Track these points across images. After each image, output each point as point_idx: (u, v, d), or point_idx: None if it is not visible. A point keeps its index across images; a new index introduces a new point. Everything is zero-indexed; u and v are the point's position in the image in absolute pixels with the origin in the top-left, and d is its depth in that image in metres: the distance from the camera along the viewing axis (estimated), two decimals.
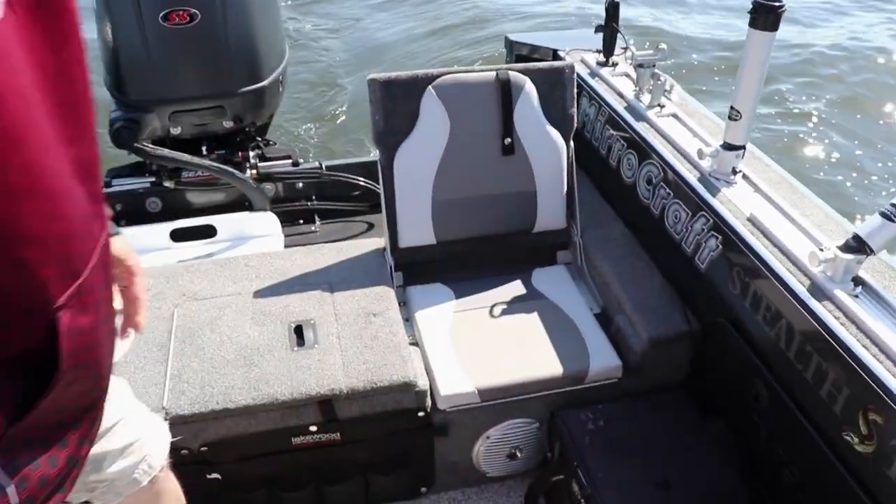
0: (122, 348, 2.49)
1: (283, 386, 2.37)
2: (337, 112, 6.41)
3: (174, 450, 2.32)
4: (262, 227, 3.54)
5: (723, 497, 2.28)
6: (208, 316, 2.64)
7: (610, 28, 3.31)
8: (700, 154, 2.64)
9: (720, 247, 2.46)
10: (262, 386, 2.37)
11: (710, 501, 2.26)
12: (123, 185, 3.66)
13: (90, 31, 3.57)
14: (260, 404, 2.34)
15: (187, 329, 2.59)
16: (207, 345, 2.53)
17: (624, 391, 2.63)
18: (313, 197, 3.84)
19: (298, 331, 2.58)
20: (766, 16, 2.32)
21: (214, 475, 2.44)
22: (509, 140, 2.84)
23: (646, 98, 3.08)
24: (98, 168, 1.13)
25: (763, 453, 2.33)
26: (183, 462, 2.37)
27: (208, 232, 3.50)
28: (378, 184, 2.89)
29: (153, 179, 3.61)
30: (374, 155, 3.52)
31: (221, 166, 3.42)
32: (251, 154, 3.63)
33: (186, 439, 2.36)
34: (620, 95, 3.19)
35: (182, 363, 2.46)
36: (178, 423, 2.30)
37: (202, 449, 2.38)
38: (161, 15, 3.15)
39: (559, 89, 2.88)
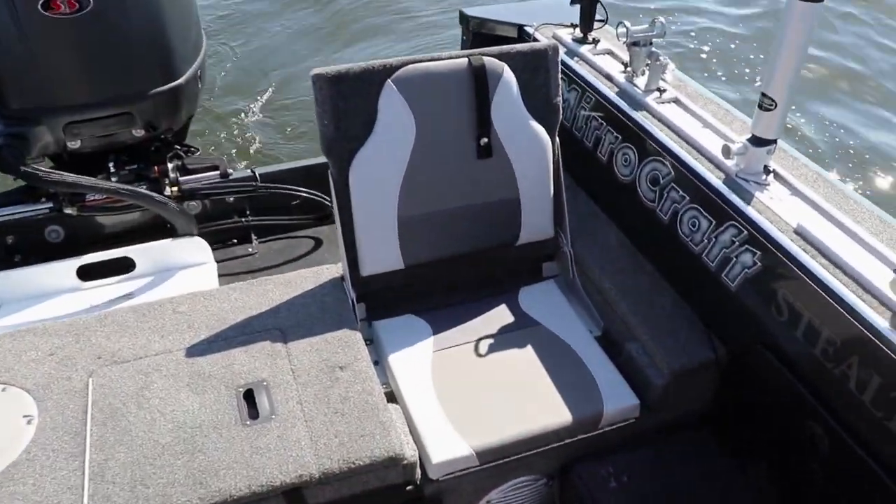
0: (21, 440, 1.95)
1: (237, 477, 1.86)
2: (271, 107, 5.72)
3: None
4: (190, 254, 2.97)
5: None
6: (133, 385, 2.10)
7: None
8: (726, 151, 2.21)
9: (758, 263, 2.05)
10: (211, 479, 1.86)
11: None
12: (15, 212, 3.00)
13: None
14: None
15: (107, 406, 2.04)
16: (135, 426, 1.99)
17: (642, 431, 2.24)
18: (247, 212, 3.27)
19: (249, 397, 2.07)
20: None
21: None
22: (486, 140, 2.37)
23: (641, 81, 2.64)
24: None
25: (815, 499, 1.97)
26: None
27: (124, 266, 2.91)
28: (325, 193, 2.37)
29: (51, 205, 2.97)
30: (317, 155, 2.98)
31: (133, 189, 2.82)
32: (170, 167, 3.03)
33: None
34: (609, 78, 2.74)
35: (104, 455, 1.92)
36: None
37: None
38: (41, 2, 2.54)
39: (542, 75, 2.42)
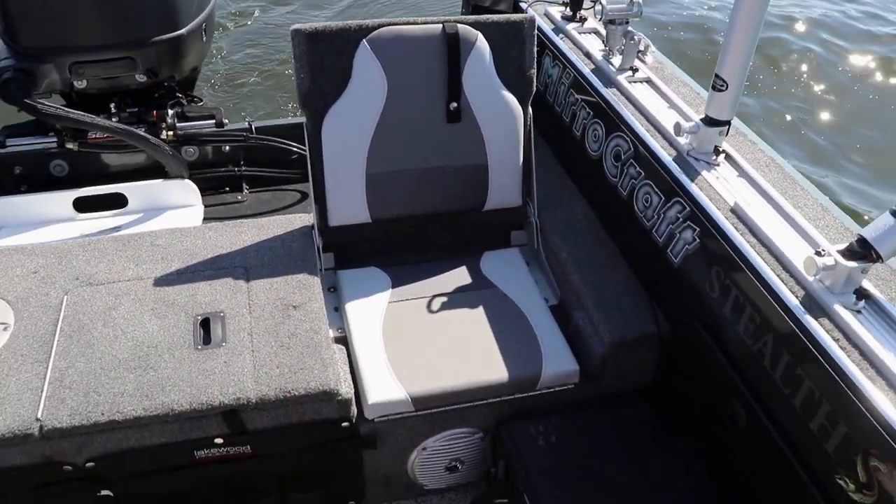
0: None
1: (181, 394, 2.00)
2: (274, 66, 5.87)
3: (56, 464, 1.98)
4: (180, 196, 3.12)
5: None
6: (102, 305, 2.26)
7: None
8: (677, 129, 2.28)
9: (697, 240, 2.12)
10: (157, 393, 2.00)
11: None
12: (22, 144, 3.19)
13: None
14: (153, 415, 1.97)
15: (76, 321, 2.20)
16: (98, 341, 2.14)
17: (580, 399, 2.32)
18: (241, 162, 3.42)
19: (205, 325, 2.21)
20: None
21: (105, 492, 2.09)
22: (455, 105, 2.46)
23: (616, 60, 2.72)
24: None
25: (737, 482, 2.03)
26: (66, 479, 2.03)
27: (118, 201, 3.08)
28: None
29: (57, 139, 3.15)
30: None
31: (127, 128, 2.98)
32: (169, 113, 3.18)
33: (69, 454, 2.00)
34: (588, 56, 2.81)
35: (66, 363, 2.08)
36: (55, 437, 1.95)
37: (88, 465, 2.02)
38: None
39: (516, 47, 2.50)
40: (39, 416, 1.94)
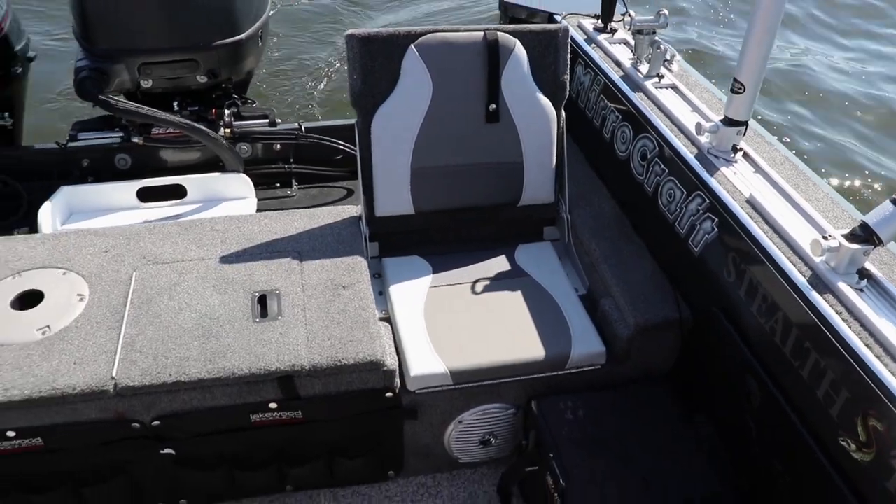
0: (73, 312, 2.35)
1: (241, 360, 2.21)
2: (324, 71, 6.16)
3: (126, 421, 2.19)
4: (235, 189, 3.36)
5: (706, 499, 2.13)
6: (168, 281, 2.48)
7: None
8: (698, 129, 2.46)
9: (716, 230, 2.30)
10: (219, 359, 2.21)
11: (692, 501, 2.12)
12: (90, 139, 3.46)
13: None
14: (216, 378, 2.18)
15: (145, 294, 2.43)
16: (164, 312, 2.36)
17: (607, 379, 2.49)
18: (291, 159, 3.65)
19: (262, 301, 2.42)
20: None
21: (167, 450, 2.29)
22: (494, 106, 2.67)
23: (644, 67, 2.91)
24: None
25: (752, 456, 2.18)
26: (133, 435, 2.24)
27: (178, 192, 3.32)
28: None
29: (122, 134, 3.41)
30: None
31: (191, 123, 3.23)
32: (226, 112, 3.43)
33: (138, 412, 2.21)
34: (617, 64, 3.01)
35: (136, 330, 2.29)
36: (127, 395, 2.16)
37: (154, 423, 2.23)
38: None
39: (551, 54, 2.70)
40: (114, 374, 2.16)
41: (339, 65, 6.22)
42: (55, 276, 2.49)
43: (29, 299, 2.41)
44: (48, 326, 2.30)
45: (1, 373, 2.14)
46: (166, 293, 2.43)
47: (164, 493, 2.44)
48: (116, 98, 3.13)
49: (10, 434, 2.16)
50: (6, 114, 3.48)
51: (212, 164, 3.46)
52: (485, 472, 2.67)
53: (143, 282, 2.48)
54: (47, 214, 3.09)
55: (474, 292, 2.62)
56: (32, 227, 3.09)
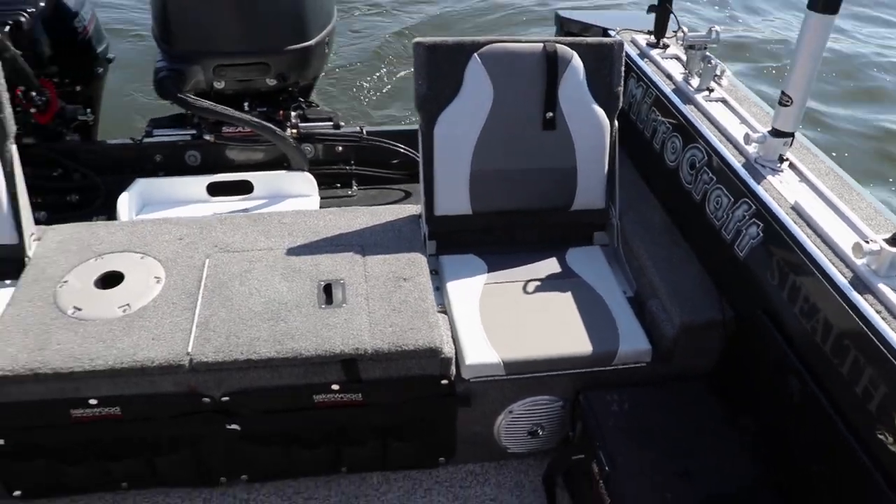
0: (151, 293, 2.52)
1: (307, 342, 2.36)
2: (385, 79, 6.38)
3: (197, 395, 2.35)
4: (299, 186, 3.53)
5: (745, 492, 2.22)
6: (239, 268, 2.64)
7: (663, 8, 3.24)
8: (746, 139, 2.58)
9: (761, 235, 2.41)
10: (287, 340, 2.36)
11: (731, 495, 2.21)
12: (164, 135, 3.68)
13: None
14: (284, 358, 2.33)
15: (217, 279, 2.59)
16: (236, 296, 2.53)
17: (652, 376, 2.59)
18: (352, 161, 3.83)
19: (327, 289, 2.57)
20: None
21: (234, 426, 2.45)
22: (551, 114, 2.80)
23: (694, 81, 3.02)
24: None
25: (792, 453, 2.26)
26: (203, 409, 2.39)
27: (245, 187, 3.51)
28: (418, 152, 2.86)
29: (194, 132, 3.62)
30: (415, 124, 3.50)
31: (262, 122, 3.42)
32: (292, 114, 3.62)
33: (209, 387, 2.37)
34: (669, 77, 3.13)
35: (210, 312, 2.46)
36: (201, 371, 2.32)
37: (223, 399, 2.39)
38: None
39: (606, 66, 2.83)
40: (189, 350, 2.32)
41: (397, 73, 6.43)
42: (134, 260, 2.67)
43: (110, 280, 2.59)
44: (128, 305, 2.48)
45: (87, 344, 2.32)
46: (237, 279, 2.60)
47: (227, 468, 2.60)
48: (193, 97, 3.32)
49: (93, 402, 2.33)
50: (88, 110, 3.71)
51: (275, 164, 3.65)
52: (531, 463, 2.78)
53: (215, 268, 2.65)
54: (125, 204, 3.29)
55: (527, 290, 2.75)
56: (109, 217, 3.29)
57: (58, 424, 2.36)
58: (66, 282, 2.56)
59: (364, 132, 3.75)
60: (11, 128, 2.62)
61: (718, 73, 2.97)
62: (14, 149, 2.65)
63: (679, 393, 2.54)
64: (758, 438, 2.39)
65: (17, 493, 2.54)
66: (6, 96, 2.60)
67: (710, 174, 2.70)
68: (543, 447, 2.76)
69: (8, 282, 2.61)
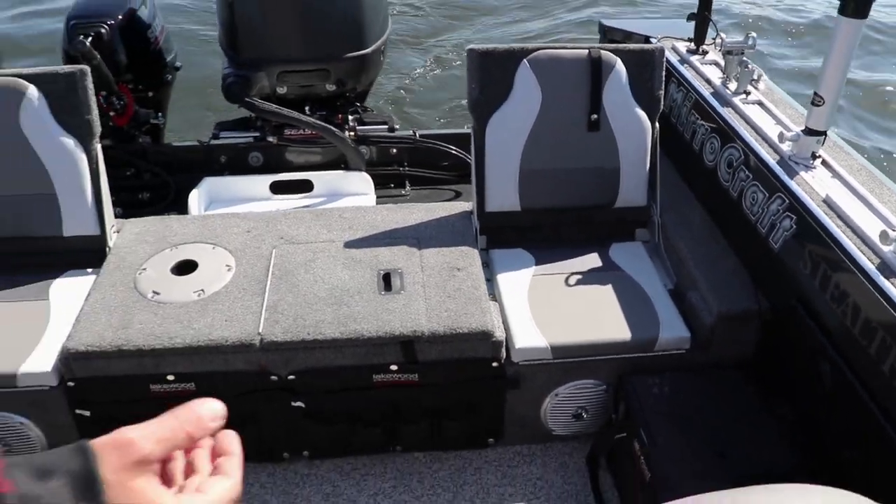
0: (223, 279, 2.73)
1: (369, 324, 2.55)
2: (433, 84, 6.62)
3: (266, 374, 2.55)
4: (357, 185, 3.75)
5: (780, 474, 2.33)
6: (303, 258, 2.85)
7: (702, 16, 3.40)
8: (781, 138, 2.73)
9: (794, 227, 2.55)
10: (350, 323, 2.56)
11: (766, 476, 2.32)
12: (229, 137, 3.93)
13: None
14: (347, 339, 2.52)
15: (284, 268, 2.80)
16: (301, 283, 2.73)
17: (690, 363, 2.72)
18: (406, 163, 4.04)
19: (386, 278, 2.76)
20: (855, 2, 2.40)
21: (298, 403, 2.64)
22: (595, 116, 2.97)
23: (732, 85, 3.17)
24: None
25: (827, 436, 2.38)
26: (271, 387, 2.59)
27: (306, 186, 3.73)
28: (468, 155, 3.04)
29: (257, 135, 3.86)
30: (466, 127, 3.69)
31: (324, 124, 3.64)
32: (350, 118, 3.84)
33: (277, 366, 2.57)
34: (708, 82, 3.28)
35: (278, 297, 2.66)
36: (270, 350, 2.52)
37: (290, 377, 2.59)
38: None
39: (648, 71, 3.00)
40: (260, 331, 2.53)
41: (449, 77, 6.67)
42: (206, 250, 2.90)
43: (185, 267, 2.82)
44: (202, 290, 2.70)
45: (165, 325, 2.54)
46: (302, 268, 2.80)
47: (290, 444, 2.79)
48: (259, 101, 3.56)
49: (170, 378, 2.55)
50: (159, 114, 3.97)
51: (333, 165, 3.87)
52: (575, 446, 2.94)
53: (281, 258, 2.86)
54: (195, 200, 3.53)
55: (572, 282, 2.91)
56: (179, 212, 3.53)
57: (138, 398, 2.57)
58: (144, 269, 2.79)
59: (417, 135, 3.96)
60: (97, 128, 2.87)
61: (755, 77, 3.11)
62: (99, 147, 2.90)
63: (717, 380, 2.67)
64: (794, 426, 2.50)
65: None
66: (94, 100, 2.85)
67: (747, 172, 2.85)
68: (587, 430, 2.91)
69: (90, 270, 2.85)
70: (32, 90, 2.75)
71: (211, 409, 0.76)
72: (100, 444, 0.67)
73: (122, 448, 0.68)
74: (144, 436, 0.70)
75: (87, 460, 0.66)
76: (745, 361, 2.76)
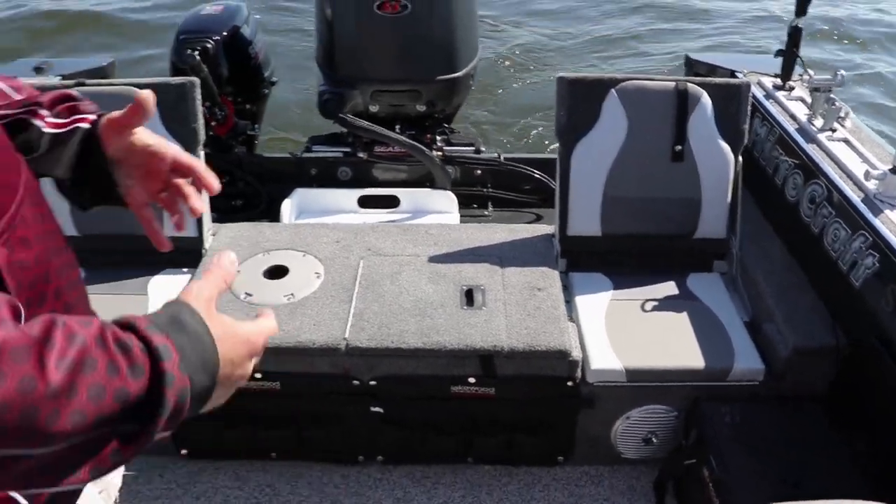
0: (312, 285, 2.86)
1: (450, 336, 2.65)
2: (519, 109, 6.75)
3: (349, 378, 2.67)
4: (441, 203, 3.86)
5: None
6: (390, 270, 2.97)
7: (790, 52, 3.43)
8: (867, 175, 2.74)
9: (877, 265, 2.56)
10: (433, 334, 2.66)
11: None
12: (320, 151, 4.10)
13: (309, 9, 4.03)
14: (429, 349, 2.63)
15: (370, 278, 2.92)
16: (387, 293, 2.85)
17: (764, 395, 2.74)
18: (489, 184, 4.14)
19: (469, 293, 2.86)
20: None
21: (377, 408, 2.74)
22: (680, 147, 3.03)
23: (818, 122, 3.18)
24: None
25: None
26: (352, 391, 2.71)
27: (392, 202, 3.87)
28: (552, 179, 3.12)
29: (347, 150, 4.02)
30: (549, 152, 3.77)
31: (414, 142, 3.78)
32: (438, 138, 3.97)
33: (360, 371, 2.68)
34: (793, 118, 3.31)
35: (364, 305, 2.79)
36: (355, 355, 2.64)
37: (371, 382, 2.70)
38: (377, 3, 3.54)
39: (733, 105, 3.05)
40: (346, 336, 2.65)
41: (535, 103, 6.79)
42: (296, 257, 3.04)
43: (277, 272, 2.96)
44: (292, 294, 2.84)
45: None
46: (388, 279, 2.92)
47: (365, 448, 2.90)
48: (353, 118, 3.71)
49: (258, 375, 2.67)
50: (255, 126, 4.16)
51: (418, 182, 3.99)
52: (643, 470, 2.97)
53: (368, 268, 2.98)
54: (287, 209, 3.69)
55: (649, 308, 2.96)
56: (271, 220, 3.70)
57: None
58: (238, 271, 2.94)
59: (502, 157, 4.07)
60: (202, 137, 3.04)
61: (842, 114, 3.13)
62: (202, 154, 3.07)
63: (791, 412, 2.68)
64: (871, 460, 2.49)
65: (183, 451, 2.92)
66: (200, 110, 3.03)
67: (830, 208, 2.87)
68: (655, 455, 2.94)
69: (185, 269, 3.02)
70: None
71: (229, 259, 1.11)
72: (182, 297, 0.99)
73: (195, 296, 0.99)
74: (201, 285, 1.02)
75: (184, 304, 0.96)
76: (819, 395, 2.75)
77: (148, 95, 1.16)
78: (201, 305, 0.97)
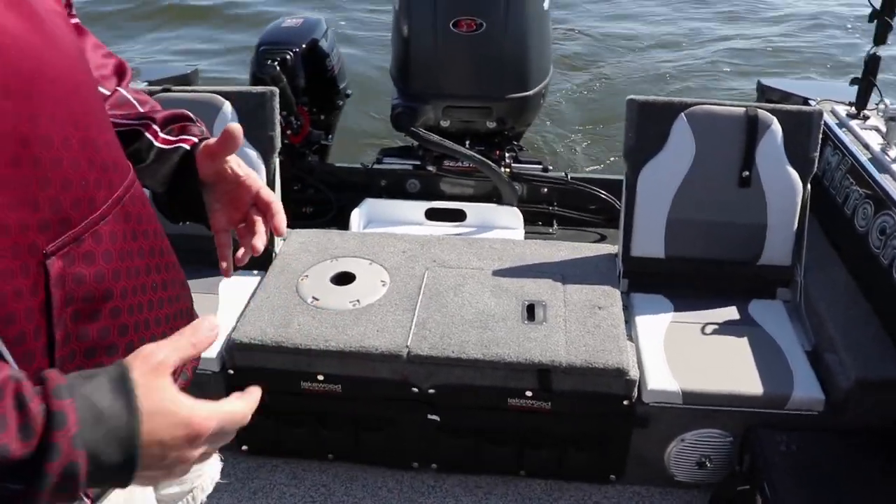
0: (377, 293, 2.94)
1: (510, 350, 2.70)
2: (587, 129, 6.79)
3: (408, 385, 2.73)
4: (507, 219, 3.92)
5: None
6: (453, 282, 3.04)
7: (866, 81, 3.40)
8: None
9: None
10: (493, 346, 2.71)
11: None
12: (391, 164, 4.20)
13: (387, 25, 4.14)
14: (488, 361, 2.68)
15: (434, 289, 2.99)
16: (450, 304, 2.91)
17: (823, 426, 2.71)
18: (555, 202, 4.18)
19: (530, 308, 2.90)
20: None
21: (434, 417, 2.80)
22: (747, 173, 3.03)
23: (893, 152, 3.15)
24: (103, 118, 1.12)
25: None
26: (411, 398, 2.77)
27: (459, 215, 3.94)
28: (617, 200, 3.15)
29: (417, 163, 4.11)
30: (615, 173, 3.80)
31: (483, 158, 3.84)
32: (506, 155, 4.03)
33: (419, 379, 2.74)
34: (866, 147, 3.28)
35: (426, 315, 2.85)
36: (416, 363, 2.70)
37: (430, 391, 2.76)
38: (452, 21, 3.62)
39: (804, 133, 3.03)
40: (408, 344, 2.71)
41: (603, 125, 6.82)
42: (363, 265, 3.13)
43: (343, 278, 3.05)
44: (358, 300, 2.92)
45: (322, 328, 2.76)
46: (451, 290, 2.99)
47: (420, 454, 2.95)
48: (424, 131, 3.80)
49: (320, 377, 2.77)
50: (329, 136, 4.29)
51: (484, 198, 4.06)
52: (695, 494, 2.97)
53: (433, 279, 3.05)
54: (356, 218, 3.80)
55: (709, 332, 2.96)
56: (339, 228, 3.80)
57: (289, 392, 2.81)
58: (306, 276, 3.04)
59: (569, 177, 4.11)
60: (278, 144, 3.16)
61: None
62: (278, 161, 3.19)
63: (849, 444, 2.65)
64: None
65: (244, 447, 3.02)
66: (278, 118, 3.14)
67: None
68: (707, 479, 2.93)
69: (255, 272, 3.13)
70: (227, 106, 3.09)
71: (209, 325, 0.99)
72: (128, 358, 0.90)
73: (144, 358, 0.90)
74: (159, 347, 0.92)
75: (121, 366, 0.88)
76: (880, 429, 2.71)
77: (237, 128, 1.22)
78: (145, 370, 0.89)
